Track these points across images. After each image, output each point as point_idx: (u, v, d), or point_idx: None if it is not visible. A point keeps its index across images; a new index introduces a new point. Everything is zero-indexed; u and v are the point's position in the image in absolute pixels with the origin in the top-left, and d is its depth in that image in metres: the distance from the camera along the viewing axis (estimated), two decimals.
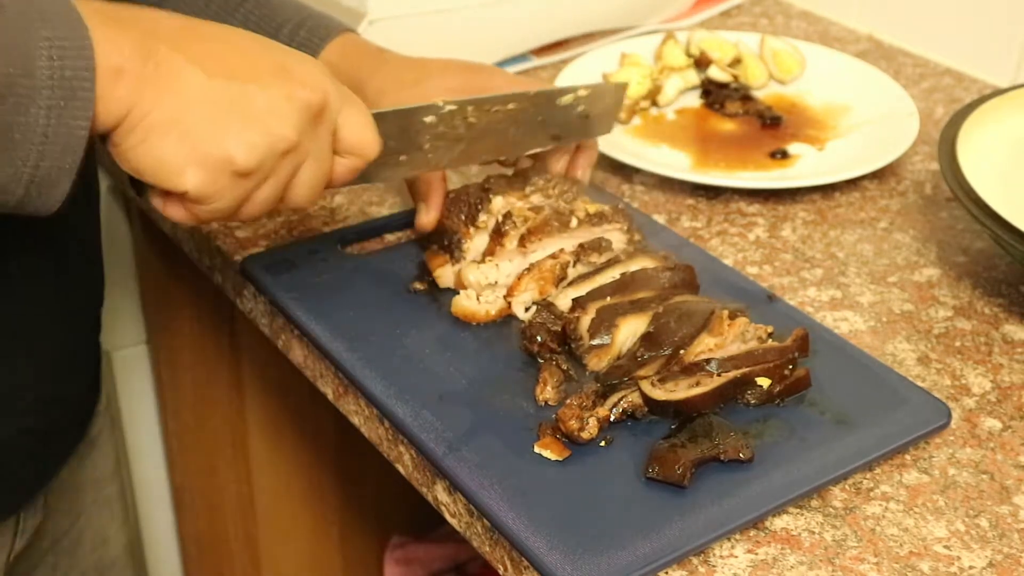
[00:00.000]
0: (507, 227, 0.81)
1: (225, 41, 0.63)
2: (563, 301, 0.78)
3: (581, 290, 0.78)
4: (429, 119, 0.77)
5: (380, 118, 0.70)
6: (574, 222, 0.82)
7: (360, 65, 0.87)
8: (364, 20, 1.05)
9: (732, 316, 0.74)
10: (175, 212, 0.64)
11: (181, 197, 0.63)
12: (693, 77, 1.15)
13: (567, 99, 0.84)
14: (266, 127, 0.62)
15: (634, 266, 0.80)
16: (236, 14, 0.89)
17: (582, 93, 0.85)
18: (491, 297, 0.79)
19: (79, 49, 0.55)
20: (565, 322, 0.75)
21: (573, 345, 0.75)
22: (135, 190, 0.66)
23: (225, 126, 0.60)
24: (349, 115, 0.67)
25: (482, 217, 0.82)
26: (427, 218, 0.84)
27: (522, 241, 0.80)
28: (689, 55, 1.17)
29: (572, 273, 0.80)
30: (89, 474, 0.92)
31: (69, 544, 0.90)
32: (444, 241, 0.83)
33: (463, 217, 0.82)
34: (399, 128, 0.75)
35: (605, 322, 0.74)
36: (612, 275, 0.79)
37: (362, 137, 0.68)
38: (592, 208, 0.83)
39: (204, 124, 0.60)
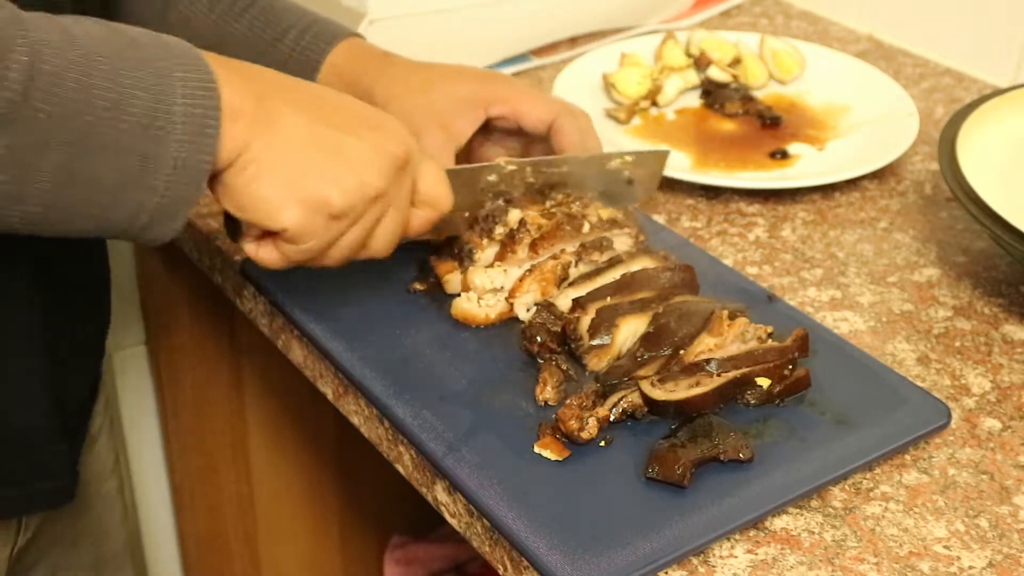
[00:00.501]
0: (521, 234, 0.81)
1: (322, 95, 0.69)
2: (563, 301, 0.78)
3: (582, 290, 0.78)
4: (492, 178, 0.83)
5: (450, 174, 0.74)
6: (586, 227, 0.82)
7: (366, 69, 0.87)
8: (364, 20, 1.05)
9: (732, 316, 0.74)
10: (267, 254, 0.68)
11: (274, 238, 0.67)
12: (693, 77, 1.15)
13: (615, 164, 0.87)
14: (359, 173, 0.66)
15: (635, 266, 0.80)
16: (241, 19, 0.90)
17: (628, 159, 0.88)
18: (492, 301, 0.79)
19: (207, 89, 0.60)
20: (565, 322, 0.75)
21: (573, 345, 0.75)
22: (230, 235, 0.70)
23: (324, 170, 0.65)
24: (426, 170, 0.72)
25: (498, 229, 0.82)
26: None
27: (533, 246, 0.80)
28: (689, 55, 1.17)
29: (574, 273, 0.80)
30: (90, 470, 0.92)
31: (70, 540, 0.90)
32: (456, 249, 0.82)
33: (479, 228, 0.82)
34: (464, 184, 0.80)
35: (605, 322, 0.74)
36: (613, 276, 0.79)
37: (437, 191, 0.73)
38: (605, 213, 0.83)
39: (306, 167, 0.65)
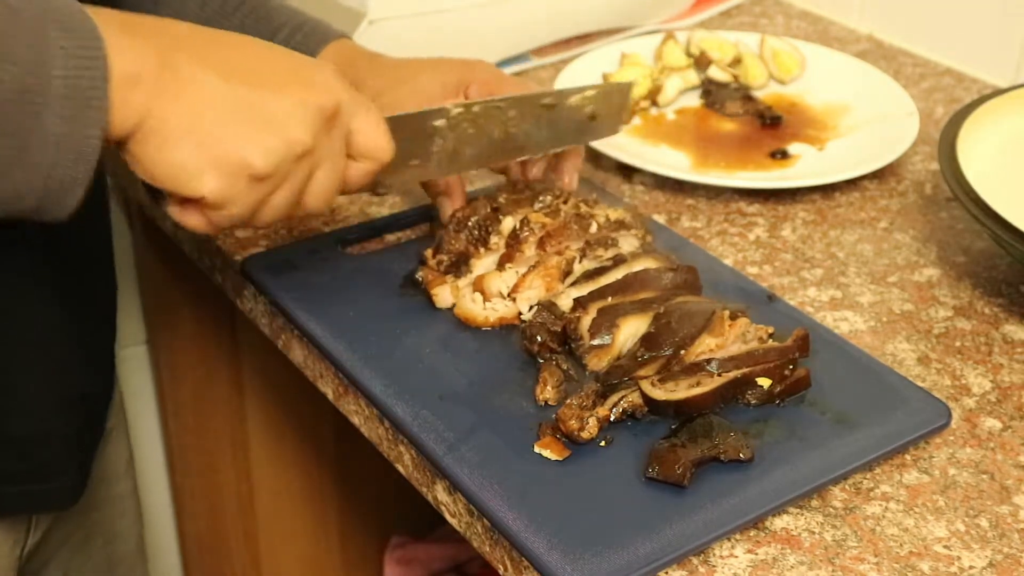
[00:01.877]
0: (525, 233, 0.80)
1: (240, 48, 0.65)
2: (565, 301, 0.78)
3: (583, 290, 0.78)
4: (439, 122, 0.78)
5: (392, 123, 0.70)
6: (594, 227, 0.82)
7: (355, 67, 0.88)
8: (364, 20, 1.05)
9: (733, 317, 0.74)
10: (192, 219, 0.65)
11: (198, 204, 0.63)
12: (693, 77, 1.15)
13: (575, 100, 0.84)
14: (282, 131, 0.62)
15: (637, 266, 0.80)
16: (232, 18, 0.90)
17: (589, 93, 0.85)
18: (499, 305, 0.79)
19: (93, 59, 0.56)
20: (566, 322, 0.75)
21: (573, 345, 0.75)
22: (152, 199, 0.66)
23: (242, 131, 0.61)
24: (362, 119, 0.68)
25: (493, 239, 0.82)
26: (453, 211, 0.85)
27: (541, 244, 0.80)
28: (689, 55, 1.17)
29: (578, 269, 0.80)
30: (102, 471, 0.93)
31: (81, 540, 0.91)
32: (450, 261, 0.82)
33: (474, 239, 0.82)
34: (410, 132, 0.76)
35: (606, 322, 0.74)
36: (615, 276, 0.79)
37: (376, 141, 0.69)
38: (613, 215, 0.83)
39: (221, 129, 0.61)
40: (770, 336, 0.75)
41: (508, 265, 0.80)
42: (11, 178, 0.55)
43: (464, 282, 0.80)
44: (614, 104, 0.89)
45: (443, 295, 0.80)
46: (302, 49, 0.88)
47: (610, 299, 0.77)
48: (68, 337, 0.77)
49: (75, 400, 0.79)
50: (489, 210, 0.83)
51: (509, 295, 0.79)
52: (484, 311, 0.79)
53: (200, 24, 0.88)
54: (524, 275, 0.79)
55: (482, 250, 0.81)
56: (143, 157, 0.60)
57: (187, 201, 0.64)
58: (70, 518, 0.88)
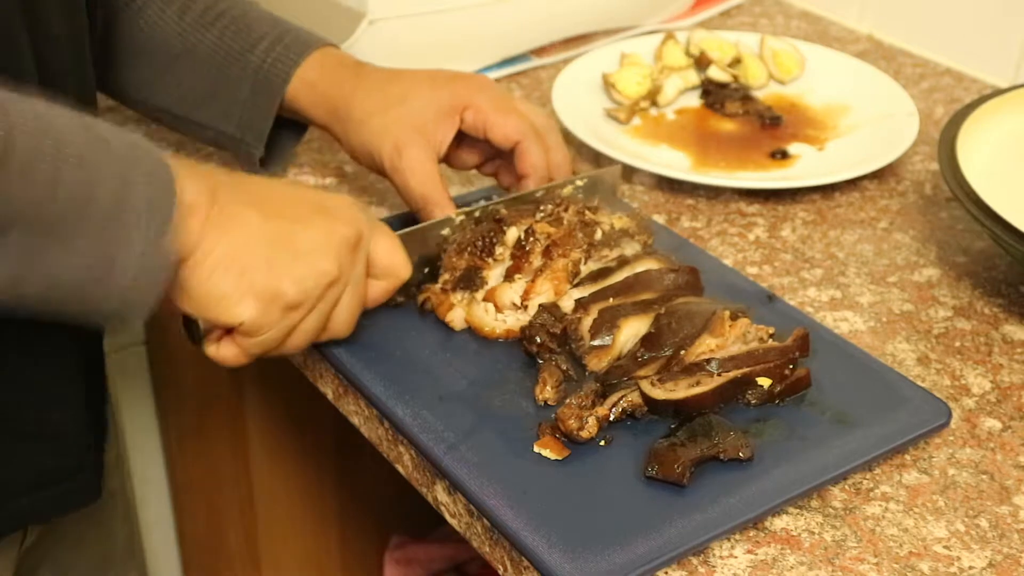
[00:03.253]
0: (529, 244, 0.80)
1: (270, 186, 0.71)
2: (567, 302, 0.78)
3: (586, 291, 0.78)
4: (445, 231, 0.83)
5: (404, 237, 0.76)
6: (599, 234, 0.82)
7: (341, 80, 0.87)
8: (364, 20, 1.05)
9: (733, 317, 0.74)
10: (227, 352, 0.70)
11: (233, 333, 0.69)
12: (693, 77, 1.15)
13: (567, 191, 0.87)
14: (312, 262, 0.68)
15: (639, 268, 0.80)
16: (211, 29, 0.89)
17: (580, 183, 0.88)
18: (510, 317, 0.78)
19: (167, 183, 0.61)
20: (566, 323, 0.75)
21: (574, 346, 0.75)
22: (190, 338, 0.72)
23: (276, 262, 0.67)
24: (381, 243, 0.74)
25: (499, 250, 0.81)
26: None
27: (547, 253, 0.80)
28: (689, 55, 1.17)
29: (584, 270, 0.80)
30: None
31: (75, 538, 0.91)
32: (456, 279, 0.80)
33: (479, 252, 0.81)
34: (419, 242, 0.81)
35: (607, 323, 0.74)
36: (618, 277, 0.79)
37: (393, 260, 0.74)
38: (618, 223, 0.83)
39: (259, 260, 0.66)
40: (771, 337, 0.75)
41: (517, 276, 0.80)
42: (92, 297, 0.60)
43: (480, 294, 0.79)
44: (606, 186, 0.91)
45: (457, 318, 0.79)
46: (283, 60, 0.88)
47: (611, 300, 0.77)
48: (55, 345, 0.77)
49: (88, 392, 0.79)
50: (493, 222, 0.82)
51: (521, 302, 0.78)
52: (494, 321, 0.78)
53: (179, 35, 0.89)
54: (532, 281, 0.79)
55: (490, 260, 0.81)
56: (191, 286, 0.65)
57: (224, 334, 0.70)
58: (62, 518, 0.88)
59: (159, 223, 0.60)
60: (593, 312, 0.76)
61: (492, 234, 0.81)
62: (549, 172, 0.88)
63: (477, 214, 0.83)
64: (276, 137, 0.92)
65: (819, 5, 1.36)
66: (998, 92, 0.96)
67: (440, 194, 0.85)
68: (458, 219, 0.83)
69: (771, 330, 0.75)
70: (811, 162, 1.04)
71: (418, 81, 0.87)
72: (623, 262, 0.80)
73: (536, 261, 0.80)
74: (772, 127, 1.09)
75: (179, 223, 0.62)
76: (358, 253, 0.71)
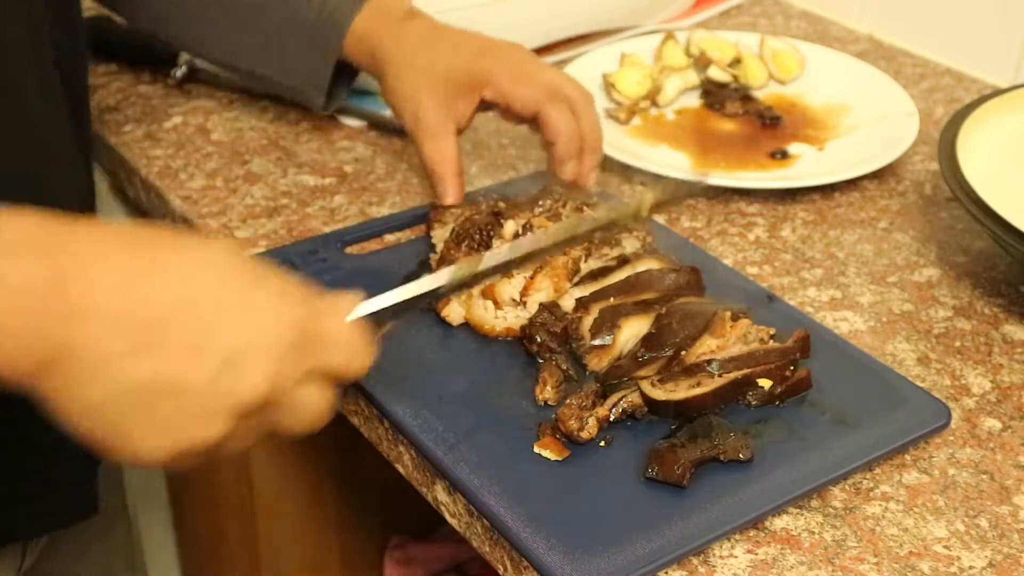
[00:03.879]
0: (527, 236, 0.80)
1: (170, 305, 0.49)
2: (567, 301, 0.78)
3: (586, 290, 0.78)
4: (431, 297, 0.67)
5: (382, 312, 0.60)
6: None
7: (381, 39, 0.88)
8: None
9: (735, 318, 0.74)
10: None
11: None
12: (693, 77, 1.15)
13: (584, 229, 0.74)
14: (182, 435, 0.49)
15: (640, 267, 0.80)
16: None
17: (600, 220, 0.77)
18: (510, 314, 0.78)
19: None
20: (567, 322, 0.75)
21: (574, 345, 0.75)
22: None
23: (132, 431, 0.49)
24: (332, 355, 0.54)
25: (496, 243, 0.81)
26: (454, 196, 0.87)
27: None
28: (689, 55, 1.17)
29: (584, 268, 0.80)
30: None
31: (74, 556, 0.90)
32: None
33: (476, 245, 0.81)
34: (405, 308, 0.64)
35: (607, 323, 0.74)
36: (619, 276, 0.79)
37: (350, 367, 0.55)
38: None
39: (113, 423, 0.49)
40: (772, 338, 0.75)
41: (515, 271, 0.80)
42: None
43: (476, 290, 0.79)
44: (628, 211, 0.81)
45: (454, 313, 0.79)
46: (337, 16, 0.89)
47: (612, 300, 0.77)
48: None
49: None
50: (491, 215, 0.82)
51: (520, 298, 0.78)
52: (494, 319, 0.78)
53: None
54: (532, 277, 0.79)
55: (486, 254, 0.80)
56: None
57: None
58: (66, 535, 0.87)
59: None
60: (594, 311, 0.76)
61: (489, 227, 0.81)
62: (581, 139, 0.86)
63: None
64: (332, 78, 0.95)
65: (819, 5, 1.36)
66: (998, 92, 0.96)
67: (449, 171, 0.86)
68: (442, 290, 0.65)
69: (772, 331, 0.75)
70: (811, 162, 1.04)
71: (445, 49, 0.87)
72: (624, 261, 0.80)
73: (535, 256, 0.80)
74: (772, 127, 1.09)
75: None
76: (278, 406, 0.52)
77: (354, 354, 0.55)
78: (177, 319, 0.48)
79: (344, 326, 0.55)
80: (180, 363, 0.48)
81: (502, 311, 0.78)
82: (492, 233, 0.81)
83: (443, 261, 0.81)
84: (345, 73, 0.96)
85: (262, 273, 0.52)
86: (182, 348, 0.48)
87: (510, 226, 0.81)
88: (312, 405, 0.53)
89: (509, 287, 0.79)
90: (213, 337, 0.49)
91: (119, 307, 0.47)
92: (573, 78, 0.89)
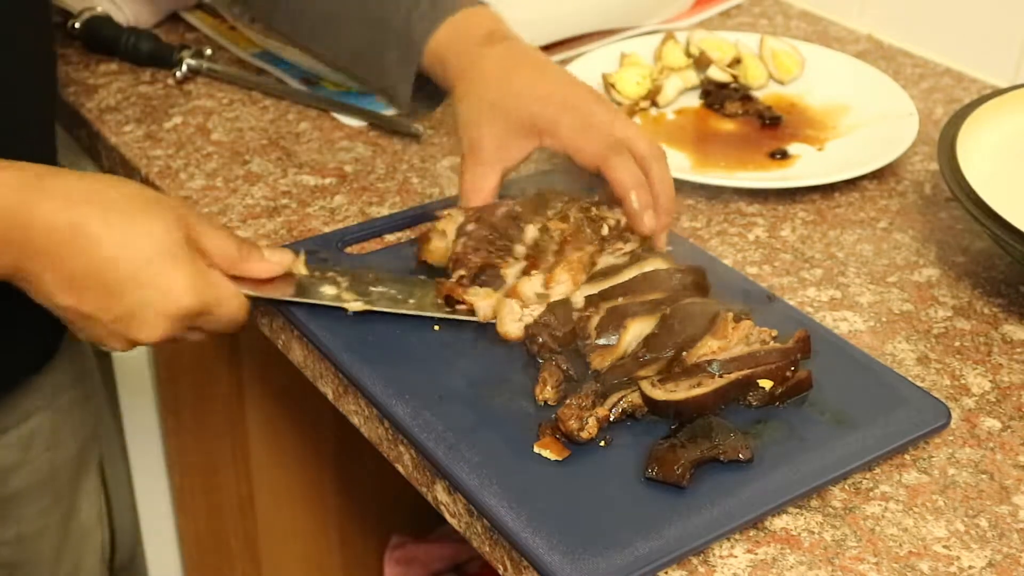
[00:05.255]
0: (545, 241, 0.81)
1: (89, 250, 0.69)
2: (578, 298, 0.78)
3: (595, 288, 0.78)
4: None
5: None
6: (605, 229, 0.82)
7: (455, 62, 0.88)
8: None
9: (737, 319, 0.74)
10: None
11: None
12: (693, 77, 1.15)
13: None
14: (108, 342, 0.72)
15: (648, 267, 0.80)
16: None
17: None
18: (537, 311, 0.78)
19: None
20: (573, 324, 0.75)
21: (580, 343, 0.75)
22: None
23: (79, 332, 0.73)
24: (213, 326, 0.75)
25: (517, 248, 0.81)
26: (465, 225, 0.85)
27: (561, 250, 0.80)
28: (689, 55, 1.17)
29: (600, 262, 0.80)
30: (47, 379, 0.96)
31: (16, 440, 0.94)
32: (472, 274, 0.80)
33: (496, 250, 0.81)
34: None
35: (614, 322, 0.74)
36: (627, 275, 0.79)
37: (226, 331, 0.76)
38: (624, 220, 0.83)
39: (65, 321, 0.72)
40: (774, 339, 0.74)
41: (533, 272, 0.80)
42: None
43: (501, 292, 0.79)
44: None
45: (484, 307, 0.78)
46: (419, 29, 0.90)
47: (620, 299, 0.77)
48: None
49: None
50: (509, 218, 0.82)
51: (545, 287, 0.78)
52: (520, 320, 0.78)
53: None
54: (551, 269, 0.79)
55: (509, 259, 0.81)
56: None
57: None
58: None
59: None
60: (602, 310, 0.76)
61: (509, 231, 0.81)
62: (653, 194, 0.81)
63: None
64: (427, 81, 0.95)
65: (819, 5, 1.36)
66: (998, 92, 0.96)
67: (477, 204, 0.85)
68: (351, 312, 0.79)
69: (774, 333, 0.75)
70: (811, 162, 1.04)
71: (516, 87, 0.85)
72: (636, 258, 0.80)
73: (550, 257, 0.80)
74: (772, 127, 1.09)
75: None
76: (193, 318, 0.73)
77: (230, 326, 0.75)
78: (105, 274, 0.68)
79: (225, 311, 0.74)
80: (94, 304, 0.70)
81: (528, 308, 0.78)
82: (513, 240, 0.81)
83: (458, 263, 0.81)
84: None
85: (185, 256, 0.70)
86: (100, 294, 0.69)
87: (531, 231, 0.81)
88: (202, 337, 0.76)
89: (530, 284, 0.79)
90: (124, 296, 0.69)
91: (59, 256, 0.68)
92: (644, 133, 0.83)
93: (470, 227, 0.82)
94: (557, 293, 0.78)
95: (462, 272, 0.80)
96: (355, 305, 0.78)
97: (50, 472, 0.98)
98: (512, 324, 0.77)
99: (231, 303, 0.74)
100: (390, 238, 0.90)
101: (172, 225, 0.70)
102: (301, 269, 0.79)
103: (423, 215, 0.90)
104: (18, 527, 0.96)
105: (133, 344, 0.72)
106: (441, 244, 0.83)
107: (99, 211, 0.69)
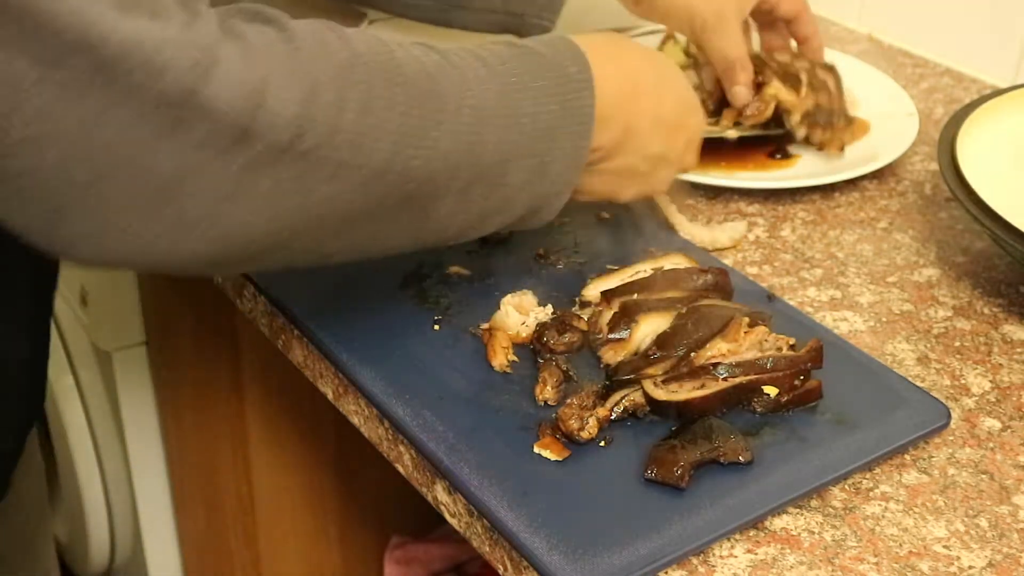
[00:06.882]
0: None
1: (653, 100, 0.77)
2: (592, 293, 0.78)
3: (611, 283, 0.78)
4: None
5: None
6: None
7: None
8: (364, 20, 1.05)
9: (752, 324, 0.74)
10: None
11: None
12: (693, 77, 1.15)
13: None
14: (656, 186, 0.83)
15: (667, 264, 0.80)
16: None
17: None
18: (534, 320, 0.78)
19: (588, 87, 0.70)
20: (590, 314, 0.76)
21: (592, 338, 0.75)
22: None
23: (651, 178, 0.80)
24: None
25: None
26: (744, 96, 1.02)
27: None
28: (689, 55, 1.17)
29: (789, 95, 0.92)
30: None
31: None
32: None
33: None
34: None
35: (626, 317, 0.74)
36: (645, 270, 0.79)
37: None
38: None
39: (634, 181, 0.79)
40: (791, 347, 0.73)
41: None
42: (533, 191, 0.69)
43: (506, 298, 0.79)
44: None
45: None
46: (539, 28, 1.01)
47: (636, 296, 0.76)
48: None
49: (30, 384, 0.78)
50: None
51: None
52: (520, 325, 0.77)
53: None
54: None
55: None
56: (585, 182, 0.74)
57: None
58: None
59: (578, 124, 0.69)
60: (615, 305, 0.76)
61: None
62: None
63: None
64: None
65: (819, 5, 1.36)
66: (998, 92, 0.96)
67: (746, 58, 0.99)
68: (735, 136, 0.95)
69: (791, 340, 0.73)
70: (811, 162, 1.04)
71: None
72: (649, 257, 0.81)
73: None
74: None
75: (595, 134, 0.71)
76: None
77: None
78: (662, 117, 0.78)
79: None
80: (669, 143, 0.78)
81: (527, 317, 0.78)
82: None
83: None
84: None
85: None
86: (678, 134, 0.79)
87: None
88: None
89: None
90: (688, 124, 0.81)
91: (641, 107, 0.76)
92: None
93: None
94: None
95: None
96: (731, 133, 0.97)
97: None
98: (511, 324, 0.78)
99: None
100: None
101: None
102: None
103: None
104: None
105: (680, 172, 0.83)
106: None
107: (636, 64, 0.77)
